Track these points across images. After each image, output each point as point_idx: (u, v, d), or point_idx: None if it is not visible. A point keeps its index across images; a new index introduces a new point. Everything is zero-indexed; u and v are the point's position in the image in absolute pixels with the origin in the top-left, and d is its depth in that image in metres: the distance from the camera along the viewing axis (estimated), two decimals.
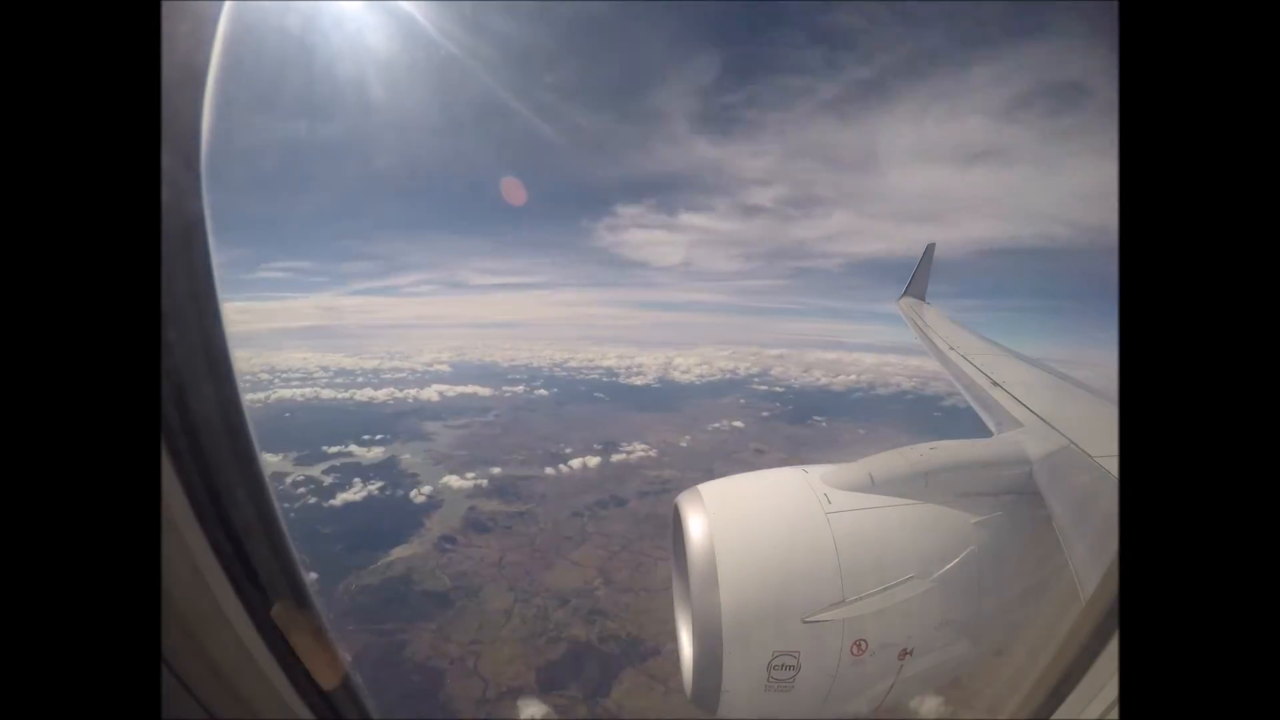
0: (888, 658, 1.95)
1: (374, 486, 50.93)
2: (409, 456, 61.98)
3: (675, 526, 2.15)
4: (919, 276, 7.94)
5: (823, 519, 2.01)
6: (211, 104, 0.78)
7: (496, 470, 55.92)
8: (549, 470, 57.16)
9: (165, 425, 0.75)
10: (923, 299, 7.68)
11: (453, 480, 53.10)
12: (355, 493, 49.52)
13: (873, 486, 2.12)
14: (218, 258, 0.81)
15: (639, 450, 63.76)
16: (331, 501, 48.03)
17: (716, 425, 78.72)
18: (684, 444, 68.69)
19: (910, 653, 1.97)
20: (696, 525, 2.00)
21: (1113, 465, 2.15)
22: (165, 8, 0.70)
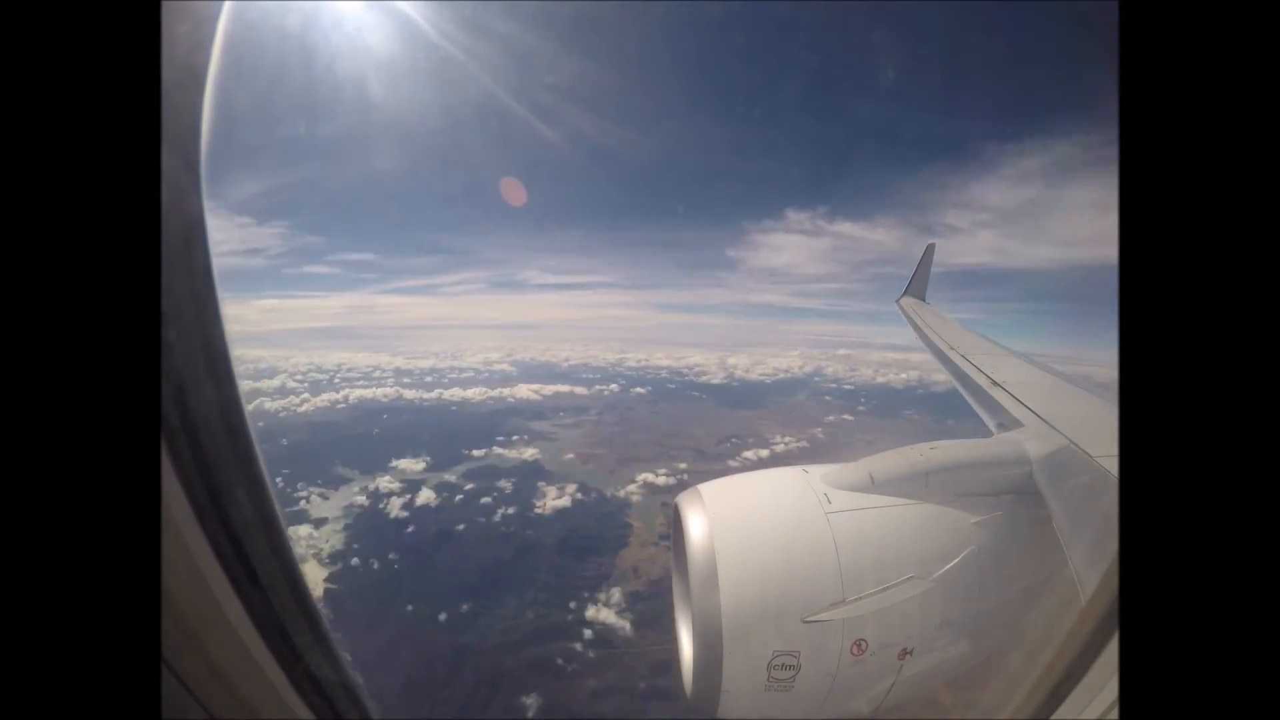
0: (888, 658, 1.95)
1: (572, 489, 49.19)
2: (554, 456, 59.62)
3: (675, 526, 2.15)
4: (919, 276, 7.95)
5: (823, 519, 2.01)
6: (211, 104, 0.78)
7: (682, 465, 53.96)
8: (731, 463, 54.53)
9: (165, 425, 0.75)
10: (923, 299, 7.68)
11: (647, 476, 51.48)
12: (556, 499, 47.88)
13: (873, 486, 2.12)
14: (219, 258, 0.81)
15: (789, 442, 62.26)
16: (537, 510, 46.53)
17: (830, 419, 78.26)
18: (821, 436, 67.77)
19: (910, 653, 1.97)
20: (697, 525, 2.00)
21: (1113, 465, 2.15)
22: (165, 8, 0.70)
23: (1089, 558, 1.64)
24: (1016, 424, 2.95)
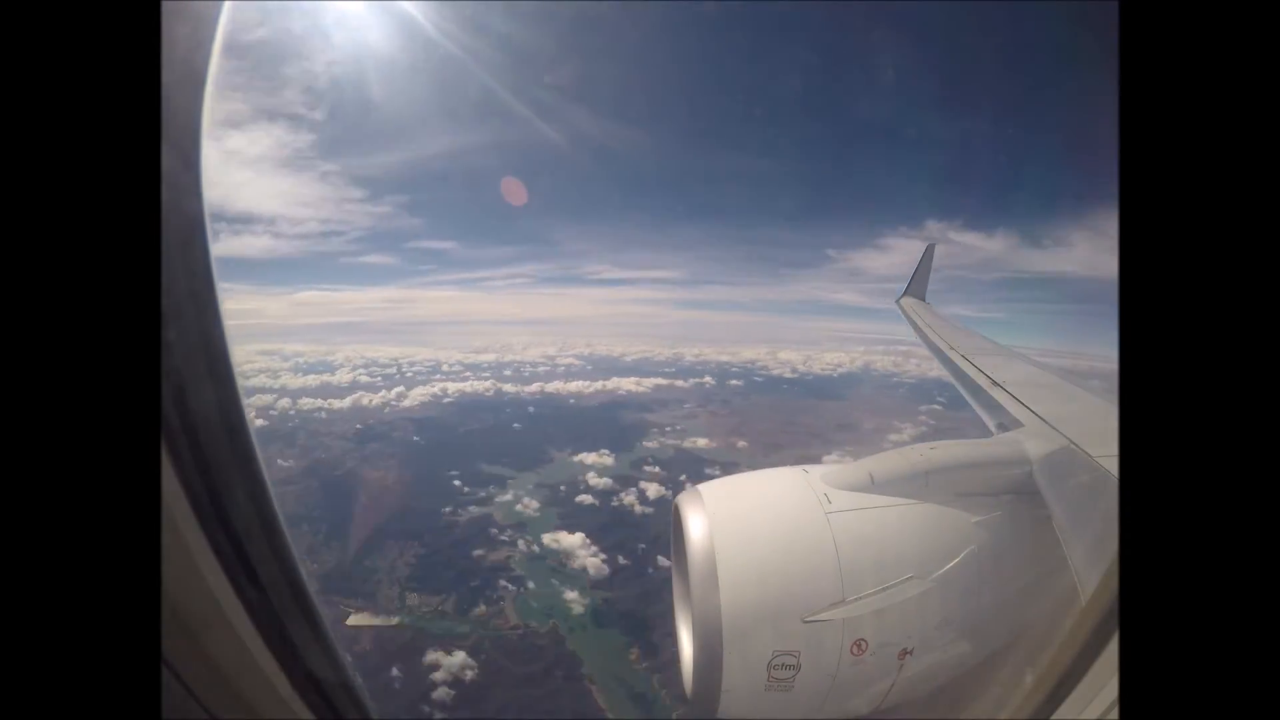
0: (888, 657, 1.95)
1: None
2: (725, 443, 57.97)
3: (675, 526, 2.15)
4: (919, 277, 7.96)
5: (823, 519, 2.01)
6: (211, 104, 0.78)
7: (848, 449, 52.46)
8: (885, 445, 53.91)
9: (165, 425, 0.75)
10: (923, 299, 7.69)
11: (832, 459, 50.19)
12: None
13: (873, 486, 2.12)
14: (217, 254, 0.81)
15: (910, 429, 60.60)
16: None
17: (924, 408, 76.75)
18: (932, 422, 66.53)
19: (910, 652, 1.97)
20: (697, 525, 2.00)
21: (1113, 465, 2.15)
22: (165, 8, 0.70)
23: (1089, 558, 1.64)
24: (1016, 424, 2.95)
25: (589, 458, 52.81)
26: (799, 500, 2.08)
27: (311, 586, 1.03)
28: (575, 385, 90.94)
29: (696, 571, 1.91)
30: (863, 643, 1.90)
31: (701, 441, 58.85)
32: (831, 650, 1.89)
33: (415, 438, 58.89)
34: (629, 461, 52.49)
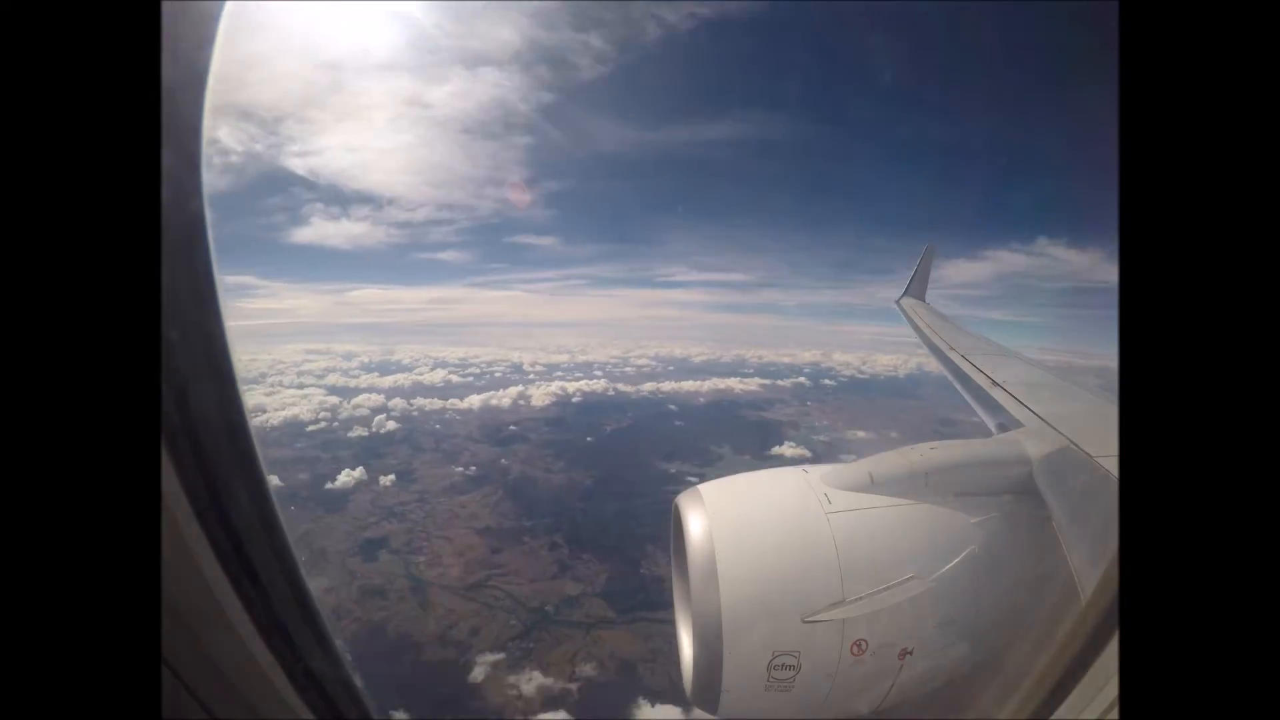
0: (888, 658, 1.95)
1: None
2: (879, 435, 59.08)
3: (675, 526, 2.15)
4: (919, 277, 7.97)
5: (823, 519, 2.01)
6: (211, 104, 0.78)
7: None
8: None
9: (165, 425, 0.75)
10: (923, 299, 7.70)
11: None
12: None
13: (872, 486, 2.12)
14: (219, 257, 0.81)
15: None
16: None
17: None
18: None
19: (910, 653, 1.97)
20: (696, 525, 2.00)
21: (1113, 465, 2.15)
22: (165, 8, 0.70)
23: (1089, 558, 1.64)
24: (1016, 424, 2.95)
25: (787, 450, 53.00)
26: (799, 500, 2.08)
27: (311, 586, 1.03)
28: (687, 385, 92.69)
29: (696, 571, 1.91)
30: (863, 643, 1.90)
31: (860, 434, 60.74)
32: (831, 650, 1.89)
33: (588, 438, 58.70)
34: (825, 455, 52.12)
